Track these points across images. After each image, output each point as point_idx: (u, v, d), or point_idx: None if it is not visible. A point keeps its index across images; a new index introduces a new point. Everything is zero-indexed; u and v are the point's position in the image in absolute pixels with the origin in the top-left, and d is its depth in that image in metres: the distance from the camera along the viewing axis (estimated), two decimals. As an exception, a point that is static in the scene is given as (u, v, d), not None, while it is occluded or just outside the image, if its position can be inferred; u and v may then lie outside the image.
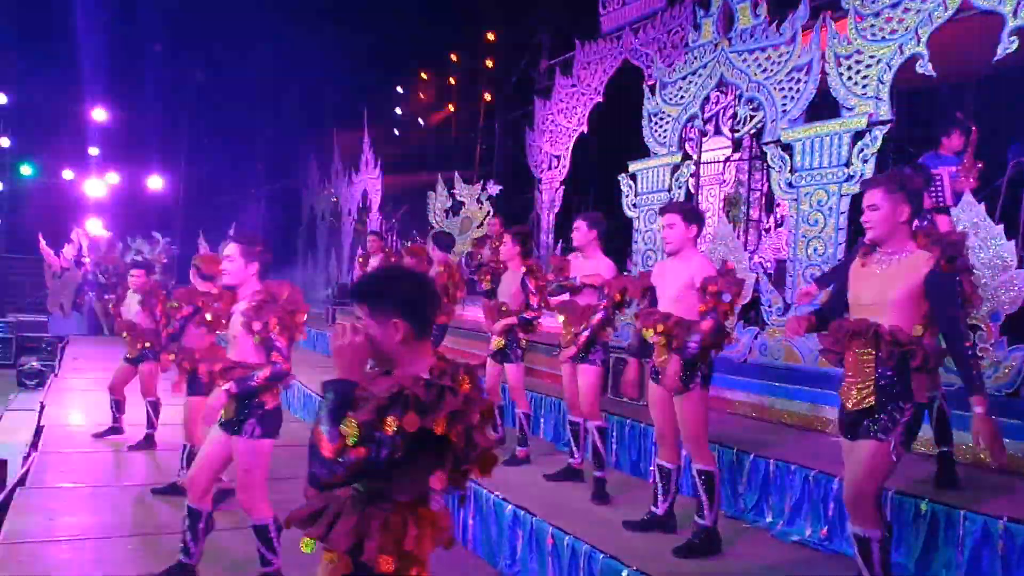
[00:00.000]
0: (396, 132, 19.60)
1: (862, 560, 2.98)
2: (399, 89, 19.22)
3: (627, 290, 4.72)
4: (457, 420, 1.80)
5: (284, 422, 3.78)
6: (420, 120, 19.49)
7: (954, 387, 4.13)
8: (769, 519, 4.46)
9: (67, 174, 19.45)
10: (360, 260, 9.17)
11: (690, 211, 4.02)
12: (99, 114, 18.71)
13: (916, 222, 3.23)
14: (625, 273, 6.23)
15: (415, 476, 1.87)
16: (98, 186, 18.96)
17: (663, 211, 4.09)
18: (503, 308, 5.67)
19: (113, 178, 19.56)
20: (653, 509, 4.18)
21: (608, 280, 4.81)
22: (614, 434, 5.62)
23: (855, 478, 2.96)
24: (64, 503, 5.13)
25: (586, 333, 4.80)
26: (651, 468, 4.43)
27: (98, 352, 12.88)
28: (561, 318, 5.12)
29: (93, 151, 19.20)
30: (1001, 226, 4.86)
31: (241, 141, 21.06)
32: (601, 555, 3.69)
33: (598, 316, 4.79)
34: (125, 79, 18.97)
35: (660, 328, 3.90)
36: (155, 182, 19.99)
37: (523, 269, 5.60)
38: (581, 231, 4.98)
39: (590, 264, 4.97)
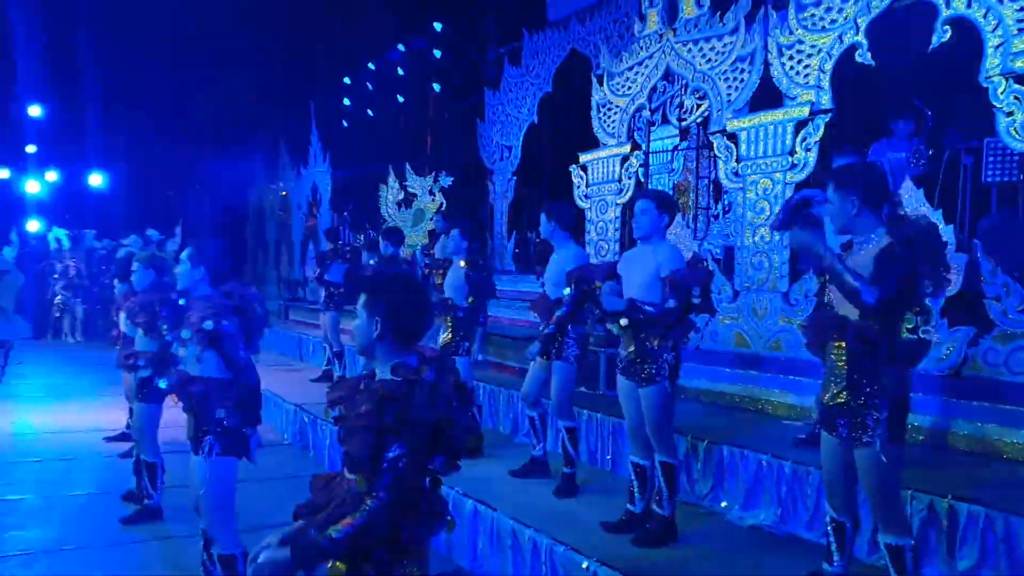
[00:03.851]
0: (345, 124, 19.32)
1: (896, 571, 2.90)
2: (346, 80, 18.93)
3: (590, 279, 4.70)
4: (433, 404, 2.00)
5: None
6: (369, 111, 19.25)
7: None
8: (724, 504, 4.56)
9: (3, 173, 18.76)
10: (326, 261, 9.04)
11: (664, 200, 4.05)
12: (35, 110, 18.07)
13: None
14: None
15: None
16: (37, 184, 18.33)
17: (638, 197, 4.16)
18: (449, 303, 5.68)
19: (52, 176, 18.94)
20: (631, 508, 4.15)
21: (569, 271, 4.78)
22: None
23: (869, 489, 2.93)
24: (12, 516, 4.99)
25: (550, 330, 4.76)
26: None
27: (44, 357, 12.53)
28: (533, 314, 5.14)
29: (30, 149, 18.55)
30: (940, 211, 5.02)
31: (184, 135, 20.55)
32: (562, 548, 3.73)
33: (563, 311, 4.73)
34: (61, 74, 18.33)
35: (626, 320, 3.92)
36: (96, 179, 19.39)
37: (463, 264, 5.63)
38: (543, 223, 5.00)
39: (556, 257, 4.95)
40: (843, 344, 2.89)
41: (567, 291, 4.68)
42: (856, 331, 2.85)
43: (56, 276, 15.10)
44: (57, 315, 15.35)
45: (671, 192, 10.82)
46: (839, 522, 3.16)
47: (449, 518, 2.24)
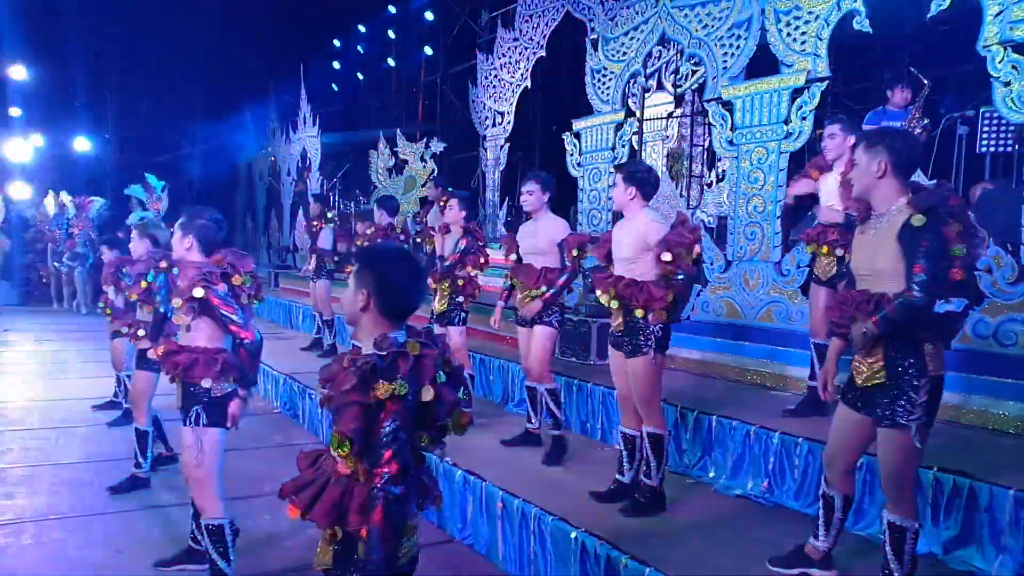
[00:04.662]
0: (335, 88, 19.06)
1: (892, 550, 2.86)
2: (336, 43, 18.64)
3: (586, 246, 4.70)
4: (418, 380, 1.96)
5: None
6: (359, 75, 18.99)
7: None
8: (712, 474, 4.59)
9: (-13, 136, 18.46)
10: (313, 227, 8.92)
11: (632, 173, 4.01)
12: (18, 72, 17.74)
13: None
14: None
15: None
16: (22, 149, 18.05)
17: (615, 169, 4.14)
18: (446, 269, 5.63)
19: (38, 140, 18.66)
20: (619, 478, 4.16)
21: (567, 237, 4.77)
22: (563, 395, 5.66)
23: (889, 469, 2.86)
24: (0, 485, 4.98)
25: (551, 292, 4.76)
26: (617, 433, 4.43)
27: (32, 325, 12.45)
28: (516, 282, 5.08)
29: (14, 112, 18.24)
30: (934, 181, 4.97)
31: (173, 99, 20.26)
32: (551, 518, 3.74)
33: (564, 277, 4.75)
34: (45, 34, 17.98)
35: (612, 292, 3.92)
36: (82, 143, 19.12)
37: (460, 231, 5.58)
38: (535, 195, 4.91)
39: (542, 226, 4.93)
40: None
41: (576, 252, 4.70)
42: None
43: (55, 244, 14.73)
44: (45, 282, 15.13)
45: (665, 160, 10.79)
46: (830, 496, 3.15)
47: (437, 493, 2.23)
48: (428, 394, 1.98)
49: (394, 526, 1.91)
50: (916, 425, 2.75)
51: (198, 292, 3.34)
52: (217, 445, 3.43)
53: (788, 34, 5.80)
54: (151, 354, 3.90)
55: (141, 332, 4.83)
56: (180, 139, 21.03)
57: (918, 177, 4.94)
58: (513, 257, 5.12)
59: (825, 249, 4.54)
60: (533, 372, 5.00)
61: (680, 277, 3.75)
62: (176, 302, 3.44)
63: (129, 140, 20.26)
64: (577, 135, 7.87)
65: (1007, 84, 4.55)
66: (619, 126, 7.42)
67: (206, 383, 3.37)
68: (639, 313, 3.83)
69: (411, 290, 2.10)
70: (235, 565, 3.45)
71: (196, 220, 3.57)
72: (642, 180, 3.99)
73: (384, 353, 1.98)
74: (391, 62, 17.74)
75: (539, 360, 4.90)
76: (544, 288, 4.83)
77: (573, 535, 3.57)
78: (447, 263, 5.52)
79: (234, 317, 3.38)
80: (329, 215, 8.70)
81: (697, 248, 3.79)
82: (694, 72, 9.38)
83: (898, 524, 2.86)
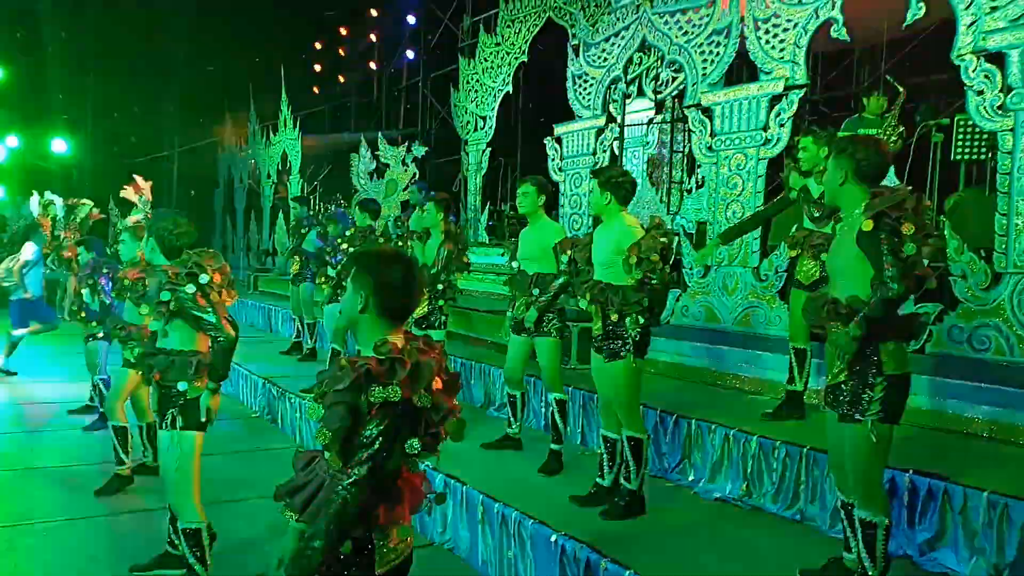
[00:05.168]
0: (316, 90, 18.99)
1: (864, 546, 2.90)
2: (317, 46, 18.57)
3: (577, 248, 4.67)
4: (414, 386, 1.96)
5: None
6: (340, 78, 18.92)
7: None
8: (691, 477, 4.61)
9: (-39, 136, 18.22)
10: (302, 231, 8.86)
11: (605, 179, 4.00)
12: (-7, 71, 17.53)
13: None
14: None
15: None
16: (-4, 149, 17.83)
17: (591, 175, 4.14)
18: (427, 274, 5.62)
19: (12, 140, 18.42)
20: (600, 481, 4.18)
21: (560, 241, 4.73)
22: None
23: (853, 465, 2.92)
24: (-30, 490, 4.90)
25: (543, 298, 4.73)
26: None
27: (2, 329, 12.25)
28: (509, 289, 5.06)
29: (-11, 111, 18.02)
30: (910, 188, 5.04)
31: (152, 100, 20.09)
32: (531, 521, 3.75)
33: (561, 281, 4.70)
34: (22, 33, 17.77)
35: (588, 296, 3.94)
36: (59, 144, 18.89)
37: (442, 235, 5.56)
38: (530, 196, 4.86)
39: (536, 231, 4.90)
40: (839, 323, 2.85)
41: (565, 256, 4.61)
42: (847, 308, 2.82)
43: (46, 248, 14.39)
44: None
45: (646, 166, 10.85)
46: (848, 505, 3.11)
47: (432, 495, 2.22)
48: (424, 400, 1.99)
49: (343, 526, 1.93)
50: (872, 420, 2.80)
51: (164, 295, 3.33)
52: (194, 448, 3.40)
53: (767, 41, 5.86)
54: (127, 354, 3.86)
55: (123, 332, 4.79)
56: (159, 141, 20.84)
57: (894, 183, 5.02)
58: (515, 264, 5.09)
59: (808, 253, 4.57)
60: (544, 383, 4.97)
61: (655, 281, 3.77)
62: (144, 308, 3.43)
63: (107, 142, 20.05)
64: (558, 140, 7.90)
65: (980, 93, 4.63)
66: (600, 131, 7.46)
67: (182, 386, 3.35)
68: (615, 317, 3.85)
69: (407, 290, 2.11)
70: (212, 570, 3.41)
71: (156, 223, 3.60)
72: (617, 185, 3.99)
73: (383, 357, 1.98)
74: (373, 66, 17.70)
75: (549, 374, 4.89)
76: (536, 292, 4.82)
77: (553, 538, 3.58)
78: (433, 269, 5.50)
79: (205, 316, 3.36)
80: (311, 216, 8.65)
81: (666, 254, 3.79)
82: (674, 79, 9.44)
83: (868, 520, 2.90)
